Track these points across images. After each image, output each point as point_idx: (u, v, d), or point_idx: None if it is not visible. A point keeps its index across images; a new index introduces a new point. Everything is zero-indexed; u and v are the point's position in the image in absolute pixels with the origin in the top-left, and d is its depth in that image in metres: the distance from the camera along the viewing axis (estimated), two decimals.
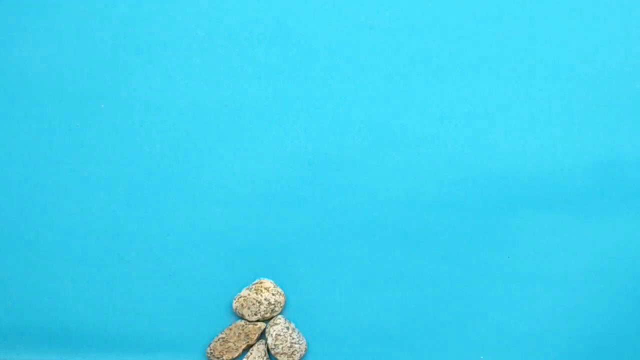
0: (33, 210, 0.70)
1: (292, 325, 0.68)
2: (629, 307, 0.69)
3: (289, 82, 0.71)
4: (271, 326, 0.67)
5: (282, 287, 0.69)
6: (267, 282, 0.68)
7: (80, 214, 0.70)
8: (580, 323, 0.69)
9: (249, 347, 0.68)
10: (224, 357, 0.67)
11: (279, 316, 0.68)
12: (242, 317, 0.68)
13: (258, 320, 0.68)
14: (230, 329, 0.67)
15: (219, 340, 0.67)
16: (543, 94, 0.70)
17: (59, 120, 0.70)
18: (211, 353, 0.67)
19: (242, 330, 0.67)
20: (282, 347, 0.67)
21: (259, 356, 0.67)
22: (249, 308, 0.67)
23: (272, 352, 0.67)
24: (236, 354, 0.67)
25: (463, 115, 0.70)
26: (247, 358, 0.67)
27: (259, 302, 0.67)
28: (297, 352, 0.67)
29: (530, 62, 0.71)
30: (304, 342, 0.68)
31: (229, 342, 0.67)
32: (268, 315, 0.68)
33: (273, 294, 0.68)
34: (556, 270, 0.69)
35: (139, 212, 0.70)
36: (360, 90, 0.71)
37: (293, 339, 0.67)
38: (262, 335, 0.68)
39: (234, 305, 0.67)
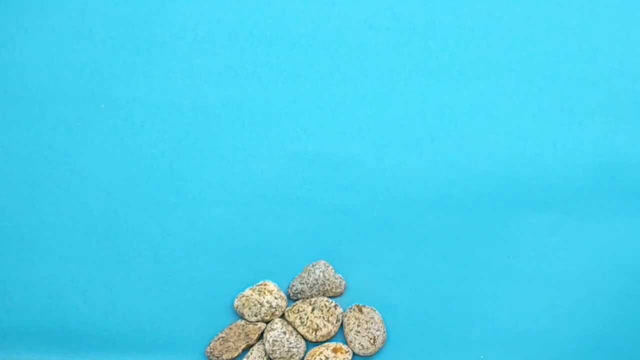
0: (33, 210, 0.70)
1: (290, 328, 0.68)
2: (629, 307, 0.69)
3: (289, 82, 0.71)
4: (268, 331, 0.67)
5: (281, 287, 0.69)
6: (271, 285, 0.68)
7: (80, 214, 0.70)
8: (580, 323, 0.69)
9: (248, 347, 0.68)
10: (224, 357, 0.67)
11: (276, 320, 0.67)
12: (242, 317, 0.68)
13: (257, 322, 0.68)
14: (230, 329, 0.67)
15: (218, 339, 0.67)
16: (543, 94, 0.70)
17: (59, 120, 0.70)
18: (211, 352, 0.67)
19: (242, 330, 0.67)
20: (280, 352, 0.67)
21: (258, 356, 0.67)
22: (249, 308, 0.67)
23: (270, 356, 0.67)
24: (236, 354, 0.67)
25: (463, 115, 0.70)
26: (247, 358, 0.67)
27: (260, 304, 0.67)
28: (296, 355, 0.67)
29: (530, 62, 0.71)
30: (302, 344, 0.68)
31: (229, 341, 0.67)
32: (268, 317, 0.68)
33: (275, 298, 0.68)
34: (556, 270, 0.69)
35: (139, 212, 0.70)
36: (360, 90, 0.71)
37: (290, 343, 0.67)
38: (263, 335, 0.68)
39: (235, 303, 0.67)
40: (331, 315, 0.67)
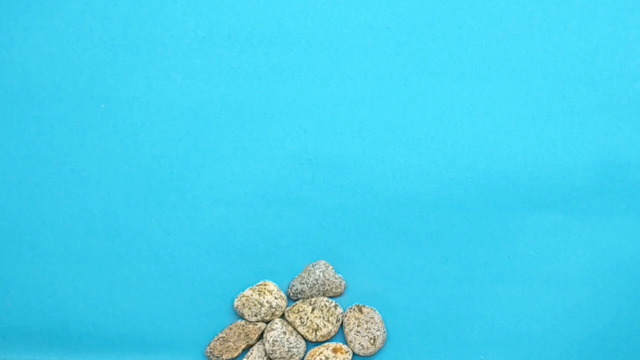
0: (33, 210, 0.70)
1: (290, 328, 0.68)
2: (629, 307, 0.68)
3: (289, 82, 0.71)
4: (268, 331, 0.67)
5: (281, 287, 0.69)
6: (271, 285, 0.68)
7: (80, 214, 0.70)
8: (580, 323, 0.69)
9: (248, 346, 0.68)
10: (224, 357, 0.67)
11: (276, 320, 0.67)
12: (242, 317, 0.68)
13: (257, 322, 0.68)
14: (230, 329, 0.67)
15: (218, 339, 0.67)
16: (543, 94, 0.70)
17: (59, 120, 0.70)
18: (211, 352, 0.67)
19: (242, 330, 0.67)
20: (280, 352, 0.67)
21: (258, 356, 0.67)
22: (249, 308, 0.67)
23: (270, 356, 0.67)
24: (236, 354, 0.67)
25: (463, 115, 0.70)
26: (247, 358, 0.67)
27: (260, 304, 0.67)
28: (296, 355, 0.67)
29: (530, 62, 0.71)
30: (302, 344, 0.68)
31: (229, 341, 0.67)
32: (268, 318, 0.68)
33: (276, 298, 0.68)
34: (556, 270, 0.69)
35: (139, 212, 0.70)
36: (360, 90, 0.71)
37: (290, 343, 0.67)
38: (263, 335, 0.68)
39: (235, 303, 0.67)
40: (331, 315, 0.67)
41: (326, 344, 0.67)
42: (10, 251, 0.69)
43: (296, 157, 0.70)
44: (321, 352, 0.66)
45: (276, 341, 0.66)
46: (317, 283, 0.67)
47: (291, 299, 0.68)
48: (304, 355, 0.67)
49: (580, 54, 0.71)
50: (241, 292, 0.68)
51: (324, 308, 0.67)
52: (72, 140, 0.70)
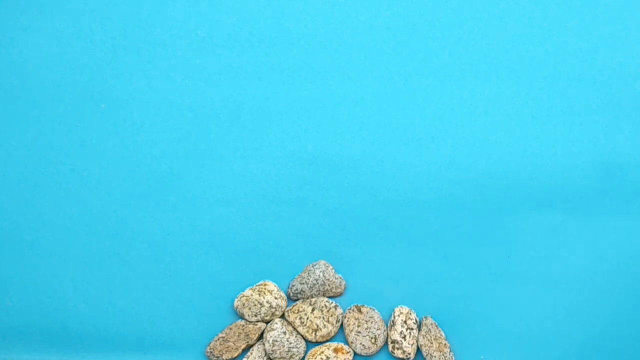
0: (33, 210, 0.70)
1: (290, 328, 0.68)
2: (629, 307, 0.68)
3: (289, 82, 0.71)
4: (268, 331, 0.67)
5: (281, 287, 0.69)
6: (271, 285, 0.68)
7: (80, 214, 0.70)
8: (580, 323, 0.69)
9: (248, 347, 0.68)
10: (224, 357, 0.67)
11: (276, 320, 0.67)
12: (242, 317, 0.68)
13: (257, 322, 0.68)
14: (230, 329, 0.67)
15: (218, 339, 0.67)
16: (543, 94, 0.70)
17: (59, 120, 0.70)
18: (211, 352, 0.67)
19: (242, 330, 0.67)
20: (280, 352, 0.67)
21: (258, 356, 0.67)
22: (249, 308, 0.67)
23: (270, 356, 0.67)
24: (236, 354, 0.67)
25: (463, 115, 0.70)
26: (247, 358, 0.67)
27: (260, 304, 0.67)
28: (296, 355, 0.67)
29: (530, 62, 0.71)
30: (302, 344, 0.68)
31: (229, 341, 0.67)
32: (268, 318, 0.68)
33: (276, 298, 0.68)
34: (556, 270, 0.69)
35: (139, 212, 0.70)
36: (360, 90, 0.71)
37: (290, 343, 0.67)
38: (263, 335, 0.68)
39: (235, 303, 0.67)
40: (331, 316, 0.67)
41: (327, 343, 0.67)
42: (10, 251, 0.69)
43: (296, 157, 0.70)
44: (322, 352, 0.66)
45: (276, 341, 0.66)
46: (317, 283, 0.67)
47: (291, 299, 0.68)
48: (304, 355, 0.67)
49: (580, 54, 0.71)
50: (241, 292, 0.68)
51: (324, 308, 0.67)
52: (72, 140, 0.70)
